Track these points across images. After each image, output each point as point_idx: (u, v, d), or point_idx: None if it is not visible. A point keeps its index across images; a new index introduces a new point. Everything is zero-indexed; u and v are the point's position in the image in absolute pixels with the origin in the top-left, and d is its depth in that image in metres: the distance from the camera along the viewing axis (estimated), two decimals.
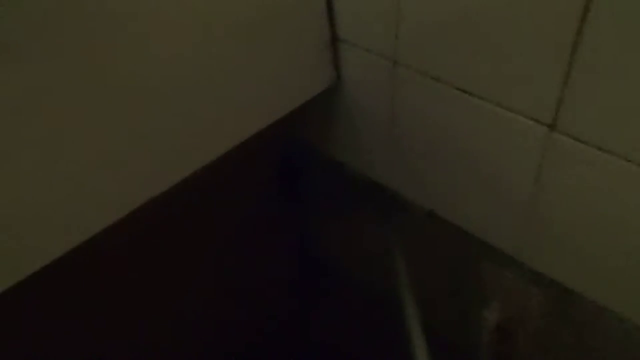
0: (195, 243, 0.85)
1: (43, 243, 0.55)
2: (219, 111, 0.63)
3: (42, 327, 0.73)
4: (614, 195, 0.50)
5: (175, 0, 0.55)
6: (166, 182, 0.62)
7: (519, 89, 0.52)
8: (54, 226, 0.55)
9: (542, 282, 0.61)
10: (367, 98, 0.68)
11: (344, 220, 0.82)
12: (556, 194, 0.54)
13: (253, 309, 1.00)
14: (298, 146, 0.81)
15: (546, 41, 0.47)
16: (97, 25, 0.51)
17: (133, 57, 0.54)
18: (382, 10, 0.59)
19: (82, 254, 0.62)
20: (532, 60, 0.49)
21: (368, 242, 0.80)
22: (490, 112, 0.55)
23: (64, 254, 0.57)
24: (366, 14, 0.61)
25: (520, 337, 0.67)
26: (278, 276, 1.01)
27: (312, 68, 0.68)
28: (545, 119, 0.51)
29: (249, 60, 0.63)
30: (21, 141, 0.50)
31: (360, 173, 0.74)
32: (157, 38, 0.55)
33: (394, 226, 0.72)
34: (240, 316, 1.00)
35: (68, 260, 0.59)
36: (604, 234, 0.52)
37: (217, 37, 0.60)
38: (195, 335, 0.95)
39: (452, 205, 0.65)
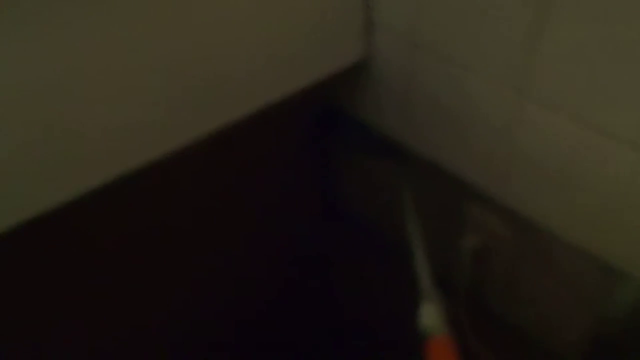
0: (229, 193, 0.96)
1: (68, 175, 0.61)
2: (266, 67, 0.75)
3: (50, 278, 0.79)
4: (570, 141, 0.70)
5: None
6: (206, 126, 0.72)
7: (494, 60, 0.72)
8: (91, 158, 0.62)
9: (511, 216, 0.81)
10: (390, 72, 0.88)
11: (363, 170, 1.02)
12: (524, 151, 0.75)
13: (275, 261, 1.15)
14: (329, 109, 1.01)
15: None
16: None
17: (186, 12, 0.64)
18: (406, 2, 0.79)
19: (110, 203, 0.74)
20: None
21: (382, 185, 1.00)
22: (477, 85, 0.76)
23: (95, 188, 0.63)
24: (395, 4, 0.81)
25: (492, 262, 0.87)
26: (302, 226, 1.16)
27: (347, 44, 0.86)
28: (515, 83, 0.71)
29: (295, 29, 0.76)
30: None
31: (380, 132, 0.95)
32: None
33: (404, 173, 0.93)
34: (262, 267, 1.12)
35: (91, 209, 0.68)
36: (559, 173, 0.72)
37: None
38: (216, 286, 1.05)
39: (447, 157, 0.86)
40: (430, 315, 0.77)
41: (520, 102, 0.72)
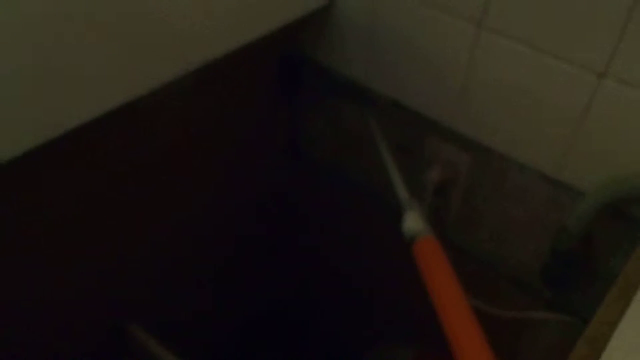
0: (199, 135, 0.98)
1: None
2: (226, 12, 0.77)
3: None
4: (525, 67, 0.76)
5: None
6: (172, 73, 0.73)
7: None
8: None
9: (470, 147, 0.87)
10: (353, 14, 0.92)
11: (329, 113, 1.07)
12: (480, 79, 0.80)
13: (242, 200, 1.18)
14: (294, 54, 1.05)
15: None
16: None
17: None
18: None
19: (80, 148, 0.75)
20: None
21: (349, 125, 1.05)
22: (436, 19, 0.81)
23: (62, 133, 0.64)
24: None
25: (453, 192, 0.93)
26: (269, 168, 1.20)
27: None
28: (474, 16, 0.77)
29: None
30: None
31: (343, 75, 0.99)
32: None
33: (368, 112, 0.97)
34: (231, 205, 1.16)
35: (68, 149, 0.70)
36: (514, 98, 0.79)
37: None
38: (190, 220, 1.07)
39: (409, 94, 0.91)
40: (414, 220, 0.83)
41: (478, 33, 0.77)
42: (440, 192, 0.94)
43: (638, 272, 0.53)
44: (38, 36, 0.58)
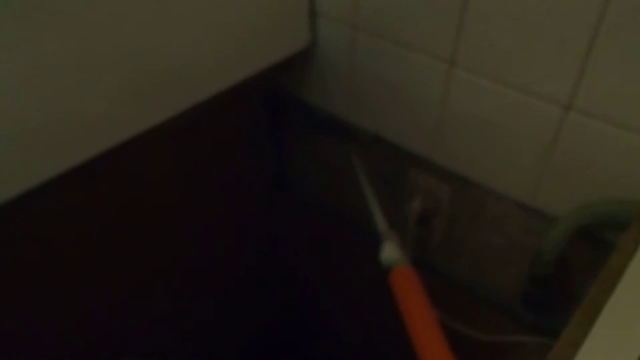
0: (183, 176, 1.02)
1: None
2: (215, 55, 0.82)
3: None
4: (495, 101, 0.80)
5: None
6: (160, 116, 0.77)
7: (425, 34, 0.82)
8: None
9: (448, 178, 0.91)
10: (334, 55, 0.96)
11: (312, 149, 1.11)
12: (454, 114, 0.84)
13: (230, 240, 1.21)
14: (278, 94, 1.09)
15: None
16: None
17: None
18: None
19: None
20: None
21: (332, 159, 1.08)
22: (411, 58, 0.85)
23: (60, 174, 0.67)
24: None
25: (435, 222, 0.96)
26: (255, 205, 1.23)
27: (293, 32, 0.94)
28: (445, 56, 0.81)
29: (243, 19, 0.83)
30: None
31: (326, 111, 1.03)
32: None
33: (351, 146, 1.01)
34: (218, 245, 1.18)
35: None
36: (487, 131, 0.83)
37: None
38: (176, 268, 1.11)
39: (388, 129, 0.95)
40: (391, 250, 0.86)
41: (450, 70, 0.82)
42: (422, 221, 0.97)
43: (602, 294, 0.56)
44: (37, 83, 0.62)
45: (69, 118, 0.66)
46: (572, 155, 0.77)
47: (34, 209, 0.77)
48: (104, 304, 0.98)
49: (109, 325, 1.01)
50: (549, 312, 0.90)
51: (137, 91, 0.73)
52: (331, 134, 1.04)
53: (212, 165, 1.06)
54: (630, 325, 0.52)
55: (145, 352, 1.06)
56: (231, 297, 1.32)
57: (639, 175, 0.73)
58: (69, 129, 0.67)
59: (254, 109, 1.10)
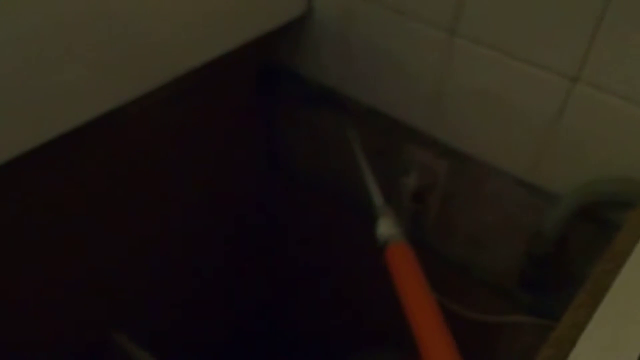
0: (177, 147, 0.99)
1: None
2: (205, 22, 0.79)
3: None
4: (498, 74, 0.77)
5: None
6: (151, 83, 0.75)
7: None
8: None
9: (446, 153, 0.88)
10: (330, 24, 0.92)
11: (306, 122, 1.07)
12: (454, 86, 0.81)
13: (222, 213, 1.19)
14: (271, 65, 1.05)
15: None
16: None
17: None
18: None
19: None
20: None
21: (326, 133, 1.05)
22: (409, 27, 0.81)
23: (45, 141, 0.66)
24: None
25: (431, 198, 0.93)
26: (248, 181, 1.21)
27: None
28: (446, 24, 0.77)
29: None
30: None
31: (320, 83, 0.99)
32: None
33: (345, 120, 0.98)
34: (209, 218, 1.16)
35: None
36: (488, 104, 0.79)
37: None
38: (168, 244, 1.08)
39: (385, 101, 0.92)
40: (387, 226, 0.83)
41: (450, 40, 0.78)
42: (418, 197, 0.94)
43: (606, 275, 0.54)
44: (25, 50, 0.60)
45: (53, 85, 0.64)
46: (577, 130, 0.74)
47: (23, 179, 0.75)
48: (93, 279, 0.95)
49: (99, 301, 0.99)
50: (547, 292, 0.88)
51: (126, 59, 0.71)
52: (325, 107, 1.01)
53: (202, 137, 1.03)
54: (637, 308, 0.49)
55: (135, 328, 1.03)
56: (222, 274, 1.29)
57: None
58: (54, 95, 0.65)
59: (246, 80, 1.07)
